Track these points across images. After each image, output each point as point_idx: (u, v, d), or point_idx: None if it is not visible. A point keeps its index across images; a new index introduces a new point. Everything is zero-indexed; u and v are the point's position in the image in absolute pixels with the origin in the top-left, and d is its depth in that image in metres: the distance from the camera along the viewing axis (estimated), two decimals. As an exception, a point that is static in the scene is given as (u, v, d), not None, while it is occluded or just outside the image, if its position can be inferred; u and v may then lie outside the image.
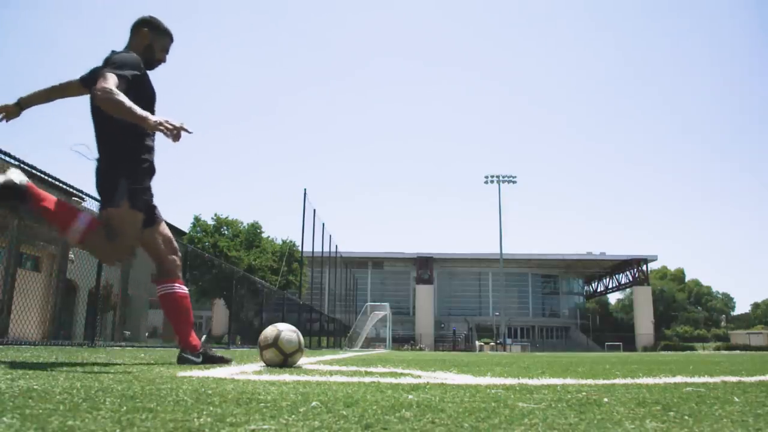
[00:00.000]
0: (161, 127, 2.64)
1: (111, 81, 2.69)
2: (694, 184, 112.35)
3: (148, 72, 3.12)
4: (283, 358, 3.08)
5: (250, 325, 17.09)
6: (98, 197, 3.04)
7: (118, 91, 2.65)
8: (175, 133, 2.65)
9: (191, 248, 13.16)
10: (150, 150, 3.03)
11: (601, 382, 2.43)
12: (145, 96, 3.00)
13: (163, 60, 3.26)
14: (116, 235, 2.88)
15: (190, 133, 2.71)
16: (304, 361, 4.46)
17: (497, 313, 52.11)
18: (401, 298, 61.18)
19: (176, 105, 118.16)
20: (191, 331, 3.22)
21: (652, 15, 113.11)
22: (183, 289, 3.21)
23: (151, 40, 3.16)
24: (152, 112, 3.00)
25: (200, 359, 3.17)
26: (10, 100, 3.08)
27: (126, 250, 3.01)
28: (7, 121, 3.07)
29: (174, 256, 3.26)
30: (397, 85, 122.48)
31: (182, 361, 3.15)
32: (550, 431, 1.07)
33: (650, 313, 56.76)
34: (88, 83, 2.99)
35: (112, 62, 2.86)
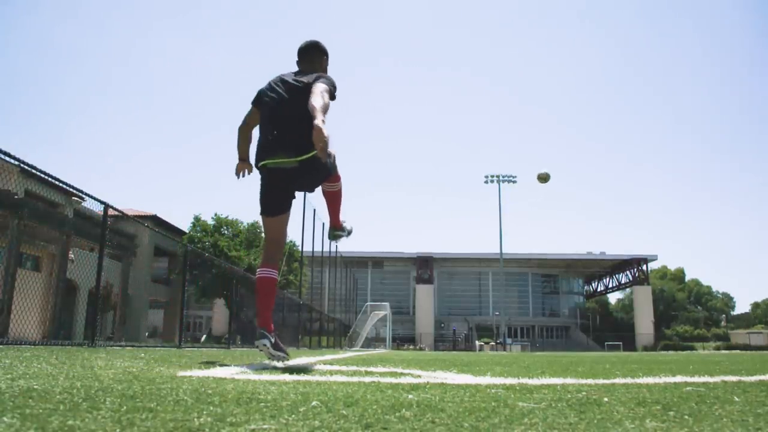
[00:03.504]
0: (322, 138, 2.96)
1: (323, 87, 3.28)
2: (694, 183, 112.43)
3: None
4: None
5: (250, 325, 17.09)
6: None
7: (325, 93, 3.23)
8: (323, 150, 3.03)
9: (191, 248, 13.16)
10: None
11: (601, 381, 2.43)
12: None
13: None
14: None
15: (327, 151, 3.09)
16: (304, 360, 4.46)
17: (497, 313, 52.10)
18: (401, 298, 61.15)
19: (177, 104, 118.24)
20: (270, 314, 3.49)
21: (652, 14, 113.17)
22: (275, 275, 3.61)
23: (326, 66, 3.70)
24: None
25: (272, 340, 3.32)
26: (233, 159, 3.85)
27: None
28: (245, 176, 3.86)
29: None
30: (396, 85, 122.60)
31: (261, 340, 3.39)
32: (550, 431, 1.07)
33: (650, 313, 56.74)
34: (258, 103, 3.60)
35: (323, 78, 3.40)
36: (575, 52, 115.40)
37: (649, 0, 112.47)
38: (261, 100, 3.58)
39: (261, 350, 3.30)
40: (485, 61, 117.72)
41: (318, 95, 3.17)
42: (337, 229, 4.11)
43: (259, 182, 3.55)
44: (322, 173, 3.54)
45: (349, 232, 4.21)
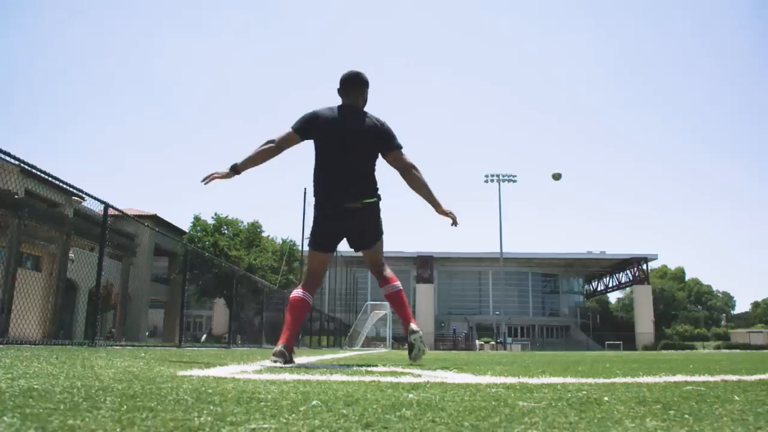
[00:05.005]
0: (451, 216, 3.94)
1: (411, 159, 3.73)
2: (694, 183, 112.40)
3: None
4: None
5: (250, 325, 17.09)
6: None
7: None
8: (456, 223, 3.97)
9: (191, 248, 13.15)
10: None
11: (601, 380, 2.43)
12: None
13: None
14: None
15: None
16: (304, 360, 4.46)
17: (497, 312, 52.11)
18: (401, 298, 61.08)
19: (178, 103, 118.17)
20: (295, 333, 3.67)
21: (652, 14, 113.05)
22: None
23: (366, 96, 3.82)
24: None
25: (286, 359, 3.39)
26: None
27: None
28: (211, 182, 3.55)
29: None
30: (396, 85, 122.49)
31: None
32: (550, 430, 1.07)
33: (650, 312, 56.70)
34: (304, 133, 3.59)
35: (396, 138, 3.71)
36: (575, 52, 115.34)
37: (650, 1, 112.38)
38: (307, 131, 3.59)
39: (272, 364, 3.34)
40: (485, 61, 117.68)
41: (423, 177, 3.73)
42: (415, 329, 3.86)
43: (316, 217, 3.63)
44: (375, 226, 3.74)
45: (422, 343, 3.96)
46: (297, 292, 3.60)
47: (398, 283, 3.93)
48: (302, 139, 3.61)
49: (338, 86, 3.74)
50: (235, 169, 3.53)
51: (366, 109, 3.80)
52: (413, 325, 3.83)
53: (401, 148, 3.70)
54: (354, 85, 3.71)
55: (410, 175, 3.71)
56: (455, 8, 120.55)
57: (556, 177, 13.60)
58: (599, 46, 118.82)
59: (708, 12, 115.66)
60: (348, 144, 3.56)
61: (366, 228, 3.71)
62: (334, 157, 3.56)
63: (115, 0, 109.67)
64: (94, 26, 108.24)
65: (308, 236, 3.82)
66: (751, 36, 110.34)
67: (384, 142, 3.65)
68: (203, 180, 3.54)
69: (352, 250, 3.99)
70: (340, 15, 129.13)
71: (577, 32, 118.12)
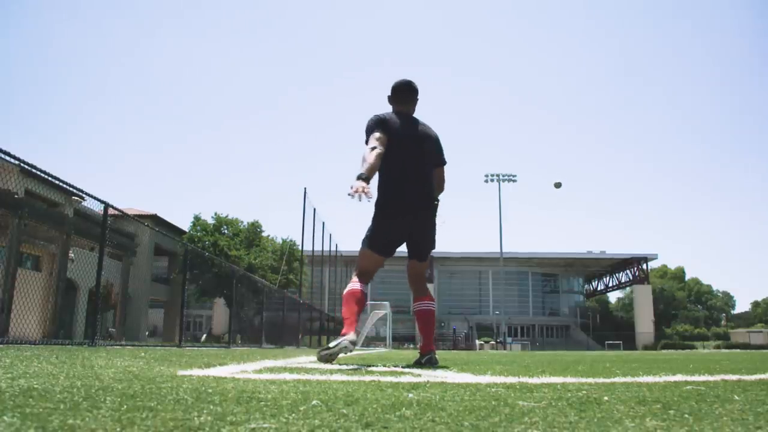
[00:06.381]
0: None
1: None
2: (694, 182, 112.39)
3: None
4: None
5: (250, 325, 17.10)
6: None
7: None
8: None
9: (191, 247, 13.15)
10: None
11: (601, 380, 2.43)
12: None
13: None
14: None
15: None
16: (304, 359, 4.46)
17: (497, 312, 52.13)
18: (401, 297, 61.17)
19: (178, 103, 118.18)
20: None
21: (652, 13, 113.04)
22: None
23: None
24: None
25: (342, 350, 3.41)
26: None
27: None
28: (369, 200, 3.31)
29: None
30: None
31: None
32: (550, 429, 1.07)
33: (650, 312, 56.71)
34: (388, 134, 3.66)
35: (443, 152, 3.98)
36: (575, 52, 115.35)
37: (650, 1, 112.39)
38: (390, 131, 3.64)
39: (337, 345, 3.33)
40: (485, 60, 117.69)
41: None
42: (432, 353, 3.80)
43: (381, 219, 3.70)
44: (433, 234, 3.88)
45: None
46: (357, 286, 3.70)
47: (434, 303, 4.01)
48: None
49: (389, 94, 3.87)
50: (366, 180, 3.35)
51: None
52: (433, 352, 3.84)
53: (446, 164, 3.99)
54: (408, 94, 3.87)
55: (440, 191, 3.98)
56: (455, 8, 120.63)
57: (557, 185, 14.34)
58: (599, 46, 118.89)
59: (708, 12, 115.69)
60: (416, 149, 3.74)
61: (427, 232, 3.82)
62: (405, 160, 3.69)
63: (115, 0, 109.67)
64: (94, 26, 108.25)
65: (366, 236, 3.81)
66: (751, 36, 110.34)
67: (439, 154, 3.93)
68: (356, 196, 3.20)
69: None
70: (340, 14, 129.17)
71: (577, 32, 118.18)
